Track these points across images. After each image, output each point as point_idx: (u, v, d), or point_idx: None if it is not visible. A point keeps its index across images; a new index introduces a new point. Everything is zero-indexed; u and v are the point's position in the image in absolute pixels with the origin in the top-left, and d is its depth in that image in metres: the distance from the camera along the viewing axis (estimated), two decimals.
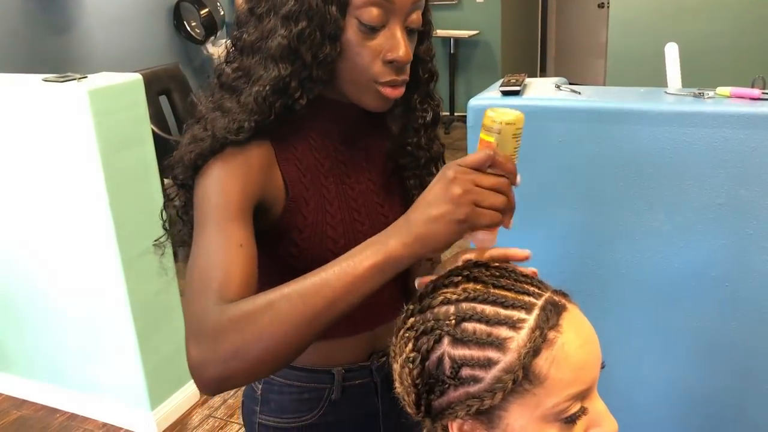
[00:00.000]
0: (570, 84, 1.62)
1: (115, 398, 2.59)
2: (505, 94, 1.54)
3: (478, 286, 0.68)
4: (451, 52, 6.55)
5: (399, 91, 0.89)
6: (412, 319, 0.70)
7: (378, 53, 0.85)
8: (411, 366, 0.68)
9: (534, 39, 7.80)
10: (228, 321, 0.72)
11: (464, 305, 0.67)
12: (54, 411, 2.69)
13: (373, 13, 0.83)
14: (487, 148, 0.69)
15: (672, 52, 1.50)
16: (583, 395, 0.65)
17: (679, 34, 2.52)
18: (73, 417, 2.65)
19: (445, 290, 0.69)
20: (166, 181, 3.01)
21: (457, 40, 6.54)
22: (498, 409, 0.65)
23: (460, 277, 0.70)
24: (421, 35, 0.93)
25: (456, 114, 6.64)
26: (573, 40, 7.69)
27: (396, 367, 0.70)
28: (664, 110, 1.41)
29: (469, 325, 0.65)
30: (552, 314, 0.65)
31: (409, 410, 0.70)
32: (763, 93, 1.38)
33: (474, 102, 1.57)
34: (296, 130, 0.92)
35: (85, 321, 2.49)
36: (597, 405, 0.67)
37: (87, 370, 2.60)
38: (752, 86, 1.40)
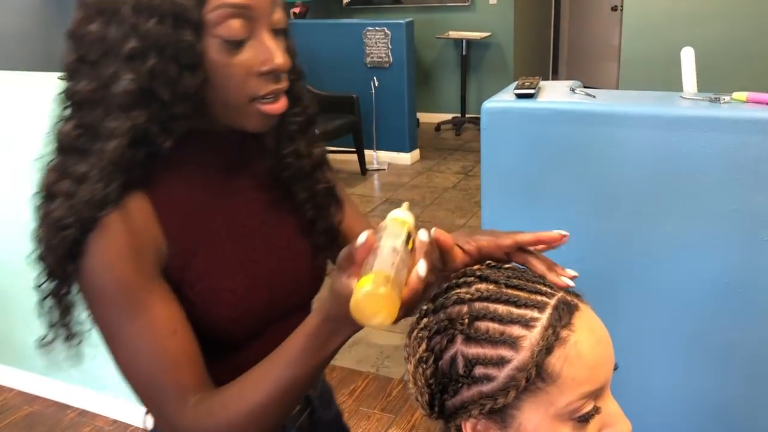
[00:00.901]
0: (583, 87, 1.61)
1: (126, 395, 2.60)
2: (520, 96, 1.54)
3: (491, 286, 0.68)
4: (463, 53, 6.55)
5: (281, 104, 0.80)
6: (425, 320, 0.70)
7: (250, 67, 0.76)
8: (424, 366, 0.68)
9: (546, 41, 7.78)
10: (209, 421, 0.75)
11: (477, 304, 0.67)
12: (65, 407, 2.71)
13: (234, 27, 0.73)
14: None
15: (688, 57, 1.49)
16: (596, 394, 0.65)
17: (694, 38, 2.50)
18: (83, 413, 2.67)
19: (458, 290, 0.70)
20: None
21: (469, 42, 6.54)
22: (511, 408, 0.65)
23: (473, 278, 0.70)
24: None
25: (467, 116, 6.63)
26: (585, 43, 7.66)
27: (409, 367, 0.70)
28: (680, 115, 1.40)
29: (482, 324, 0.66)
30: (565, 313, 0.65)
31: (422, 411, 0.71)
32: None
33: (488, 105, 1.57)
34: (169, 171, 0.81)
35: None
36: (610, 405, 0.67)
37: (98, 366, 2.61)
38: None
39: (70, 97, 0.77)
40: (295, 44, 0.88)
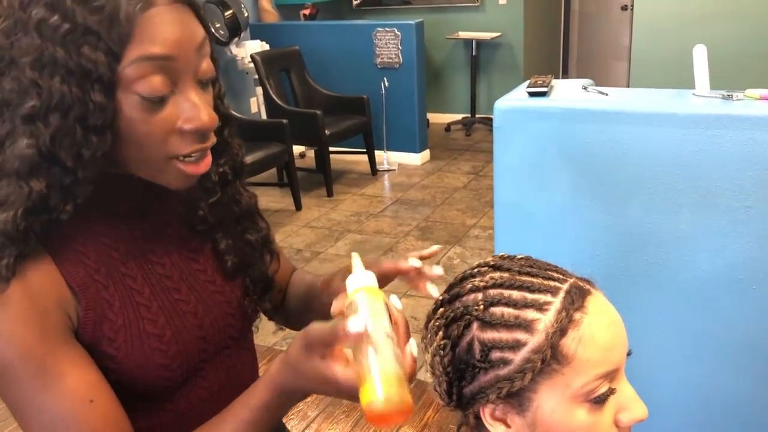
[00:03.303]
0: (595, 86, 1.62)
1: None
2: (532, 95, 1.55)
3: (505, 274, 0.70)
4: (473, 54, 6.55)
5: (205, 163, 0.72)
6: (441, 309, 0.72)
7: (172, 125, 0.68)
8: (442, 353, 0.69)
9: (556, 41, 7.77)
10: None
11: (492, 291, 0.69)
12: None
13: (155, 83, 0.64)
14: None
15: (700, 54, 1.49)
16: (610, 376, 0.67)
17: (705, 36, 2.50)
18: None
19: (472, 279, 0.71)
20: None
21: (479, 42, 6.53)
22: (528, 390, 0.66)
23: (486, 267, 0.72)
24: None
25: (477, 116, 6.63)
26: (595, 43, 7.64)
27: (427, 357, 0.71)
28: (693, 112, 1.41)
29: (497, 310, 0.67)
30: (577, 297, 0.66)
31: (440, 401, 0.72)
32: None
33: (500, 104, 1.58)
34: (73, 220, 0.70)
35: None
36: (625, 389, 0.68)
37: None
38: None
39: None
40: (223, 87, 0.80)
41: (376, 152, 5.43)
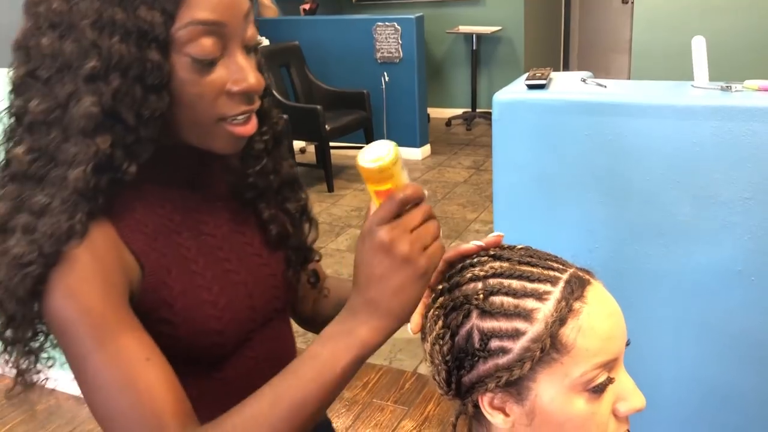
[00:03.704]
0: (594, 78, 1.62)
1: None
2: (531, 87, 1.55)
3: (505, 264, 0.70)
4: (474, 48, 6.54)
5: (252, 126, 0.76)
6: (441, 299, 0.72)
7: (221, 87, 0.71)
8: (441, 342, 0.70)
9: (557, 35, 7.75)
10: None
11: (492, 281, 0.69)
12: (82, 400, 2.74)
13: (207, 45, 0.68)
14: (389, 196, 0.65)
15: (699, 46, 1.49)
16: (609, 366, 0.67)
17: (705, 29, 2.49)
18: None
19: (472, 269, 0.71)
20: None
21: (480, 37, 6.53)
22: (527, 379, 0.66)
23: (486, 257, 0.72)
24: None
25: (478, 110, 6.63)
26: (596, 36, 7.63)
27: (426, 346, 0.72)
28: (691, 104, 1.41)
29: (497, 299, 0.67)
30: (577, 286, 0.67)
31: (439, 390, 0.72)
32: None
33: (499, 96, 1.58)
34: (129, 192, 0.75)
35: None
36: (624, 380, 0.69)
37: None
38: None
39: (19, 116, 0.70)
40: (263, 59, 0.83)
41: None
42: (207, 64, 0.69)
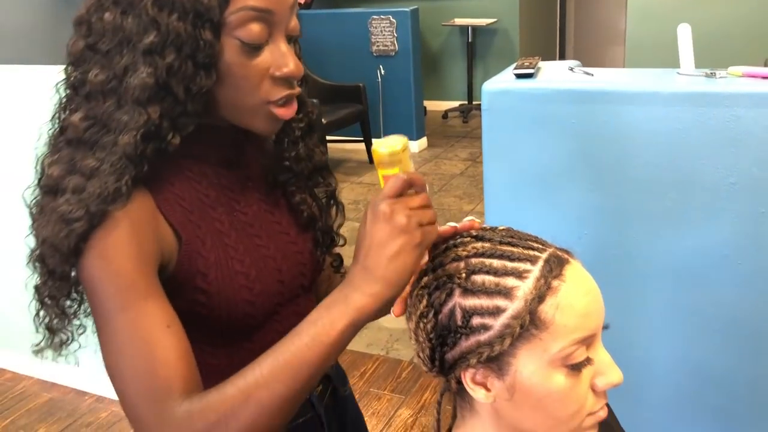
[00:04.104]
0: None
1: None
2: (519, 77, 1.57)
3: (487, 244, 0.72)
4: (469, 40, 6.55)
5: (292, 109, 0.81)
6: (425, 278, 0.74)
7: (265, 71, 0.76)
8: (425, 320, 0.72)
9: (553, 26, 7.76)
10: (201, 425, 0.68)
11: (474, 260, 0.71)
12: (82, 393, 2.77)
13: (255, 31, 0.74)
14: (395, 177, 0.71)
15: (685, 34, 1.51)
16: (587, 342, 0.69)
17: (698, 18, 2.50)
18: (100, 399, 2.73)
19: (455, 249, 0.74)
20: None
21: (475, 29, 6.53)
22: (507, 355, 0.68)
23: (469, 238, 0.74)
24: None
25: (474, 103, 6.64)
26: (592, 28, 7.63)
27: (411, 325, 0.74)
28: (676, 90, 1.43)
29: (478, 277, 0.70)
30: (555, 265, 0.69)
31: (423, 368, 0.74)
32: None
33: (488, 86, 1.60)
34: (168, 164, 0.80)
35: None
36: (602, 355, 0.71)
37: None
38: (765, 65, 1.41)
39: (77, 86, 0.75)
40: (300, 50, 0.88)
41: (374, 140, 5.44)
42: (254, 48, 0.75)
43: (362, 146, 5.42)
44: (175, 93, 0.73)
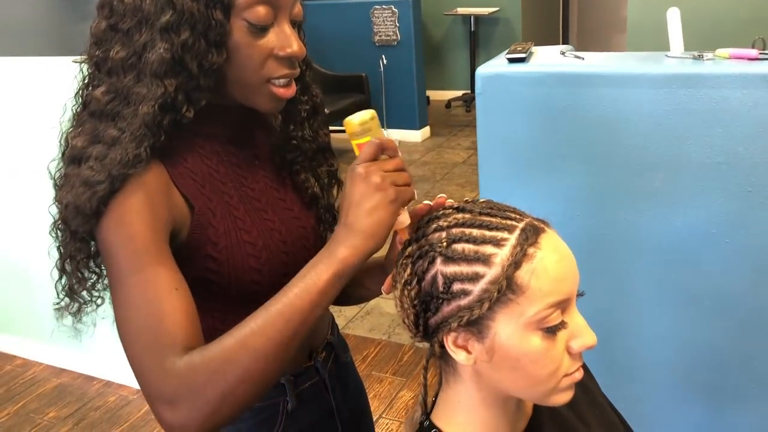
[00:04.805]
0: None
1: None
2: (512, 61, 1.60)
3: (467, 215, 0.77)
4: (471, 29, 6.56)
5: (292, 90, 0.88)
6: (409, 248, 0.78)
7: (269, 51, 0.83)
8: (409, 287, 0.76)
9: (555, 14, 7.74)
10: (202, 374, 0.73)
11: (454, 230, 0.75)
12: (91, 378, 2.83)
13: (261, 13, 0.81)
14: (368, 143, 0.79)
15: (674, 17, 1.54)
16: (562, 306, 0.73)
17: (694, 3, 2.51)
18: (109, 384, 2.79)
19: (437, 220, 0.78)
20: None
21: (477, 18, 6.54)
22: (486, 319, 0.72)
23: (451, 210, 0.79)
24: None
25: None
26: (595, 15, 7.61)
27: (396, 293, 0.78)
28: (664, 72, 1.46)
29: (459, 246, 0.74)
30: (531, 234, 0.73)
31: (409, 333, 0.78)
32: (761, 53, 1.42)
33: (482, 70, 1.64)
34: (182, 141, 0.87)
35: None
36: (576, 319, 0.75)
37: None
38: (753, 47, 1.44)
39: (99, 63, 0.82)
40: (305, 37, 0.95)
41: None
42: (260, 29, 0.82)
43: None
44: (189, 68, 0.80)
